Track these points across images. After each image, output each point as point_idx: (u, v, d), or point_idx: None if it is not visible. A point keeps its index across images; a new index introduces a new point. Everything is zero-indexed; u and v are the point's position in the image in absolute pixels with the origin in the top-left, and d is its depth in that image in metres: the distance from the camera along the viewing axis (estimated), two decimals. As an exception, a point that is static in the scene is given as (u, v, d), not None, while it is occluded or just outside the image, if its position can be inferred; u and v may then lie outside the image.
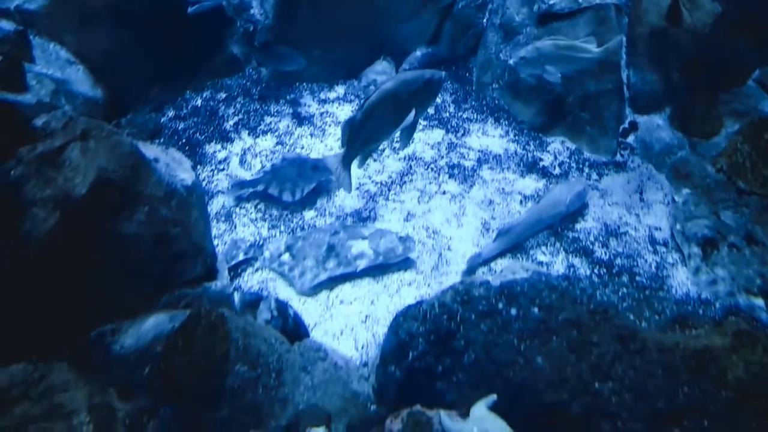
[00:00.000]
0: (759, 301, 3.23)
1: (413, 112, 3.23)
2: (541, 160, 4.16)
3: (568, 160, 4.15)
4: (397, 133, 3.50)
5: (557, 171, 4.08)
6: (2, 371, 1.72)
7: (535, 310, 2.38)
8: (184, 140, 4.14)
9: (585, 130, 4.22)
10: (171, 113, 4.38)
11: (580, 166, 4.12)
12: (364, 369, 2.53)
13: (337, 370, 2.36)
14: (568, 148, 4.24)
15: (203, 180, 3.96)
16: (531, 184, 4.00)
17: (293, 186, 3.79)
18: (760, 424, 2.07)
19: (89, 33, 4.02)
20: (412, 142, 4.31)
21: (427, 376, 2.34)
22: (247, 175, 4.02)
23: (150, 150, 2.72)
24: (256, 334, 2.36)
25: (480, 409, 2.14)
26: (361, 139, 3.57)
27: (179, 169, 2.82)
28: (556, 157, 4.17)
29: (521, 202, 3.90)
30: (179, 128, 4.28)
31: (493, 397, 2.19)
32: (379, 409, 2.31)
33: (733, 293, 3.31)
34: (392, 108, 3.45)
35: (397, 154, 4.22)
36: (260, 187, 3.84)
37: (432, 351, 2.39)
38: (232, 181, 3.91)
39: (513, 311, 2.39)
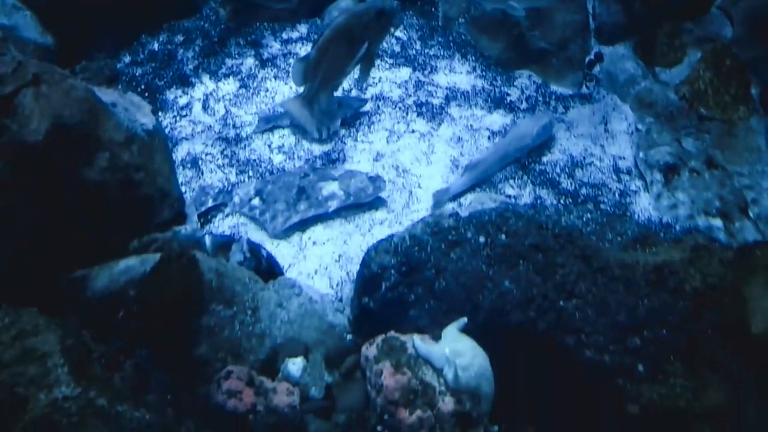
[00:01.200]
0: (717, 222, 3.37)
1: (366, 45, 3.20)
2: (508, 95, 4.16)
3: (534, 94, 4.16)
4: (356, 68, 3.46)
5: (524, 105, 4.09)
6: (-27, 317, 1.71)
7: (503, 236, 2.45)
8: (143, 86, 4.00)
9: (551, 63, 4.22)
10: (127, 59, 4.20)
11: (547, 99, 4.13)
12: (339, 303, 2.58)
13: (312, 304, 2.41)
14: (534, 83, 4.24)
15: (166, 127, 3.86)
16: (498, 119, 4.01)
17: (320, 123, 3.67)
18: (715, 331, 2.21)
19: (35, -24, 3.79)
20: (379, 82, 4.26)
21: (400, 305, 2.41)
22: (210, 120, 3.93)
23: (106, 94, 2.63)
24: (230, 274, 2.38)
25: (451, 331, 2.23)
26: (318, 77, 3.51)
27: (138, 113, 2.75)
28: (523, 92, 4.18)
29: (489, 138, 3.92)
30: (137, 74, 4.12)
31: (464, 320, 2.27)
32: (355, 338, 2.38)
33: (692, 216, 3.44)
34: (346, 43, 3.38)
35: (363, 93, 4.17)
36: (286, 122, 3.77)
37: (404, 281, 2.45)
38: (259, 114, 3.86)
39: (481, 239, 2.45)
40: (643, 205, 3.56)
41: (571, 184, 3.66)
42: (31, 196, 2.13)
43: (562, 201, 3.54)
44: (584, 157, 3.82)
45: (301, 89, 3.63)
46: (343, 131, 3.97)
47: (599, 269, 2.29)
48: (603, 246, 2.39)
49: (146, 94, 3.98)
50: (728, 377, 2.11)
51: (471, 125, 3.98)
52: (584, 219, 3.18)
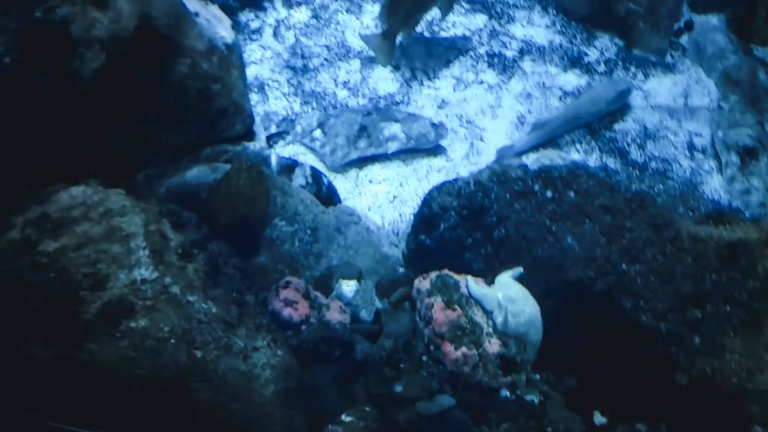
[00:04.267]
0: (790, 214, 3.27)
1: None
2: (586, 55, 4.04)
3: (614, 58, 4.03)
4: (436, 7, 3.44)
5: (602, 68, 3.98)
6: (63, 191, 1.83)
7: (571, 194, 2.44)
8: (218, 5, 4.04)
9: (637, 26, 4.06)
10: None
11: (627, 64, 4.01)
12: (395, 237, 2.65)
13: (369, 233, 2.48)
14: (616, 45, 4.10)
15: (236, 48, 3.91)
16: (573, 79, 3.92)
17: (424, 65, 3.72)
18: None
19: None
20: (452, 27, 4.19)
21: (457, 246, 2.45)
22: (280, 48, 3.97)
23: (192, 3, 2.68)
24: (293, 194, 2.46)
25: (505, 278, 2.27)
26: (401, 14, 3.52)
27: (219, 26, 2.80)
28: (602, 53, 4.05)
29: (560, 98, 3.84)
30: (211, -9, 4.16)
31: (520, 269, 2.31)
32: (407, 272, 2.45)
33: (764, 204, 3.35)
34: None
35: (436, 36, 4.12)
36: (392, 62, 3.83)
37: (463, 224, 2.49)
38: (361, 56, 3.89)
39: (548, 193, 2.45)
40: (714, 187, 3.47)
41: (640, 155, 3.59)
42: (117, 89, 2.22)
43: (629, 171, 3.48)
44: (658, 130, 3.72)
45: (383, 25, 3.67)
46: (409, 74, 3.95)
47: (669, 239, 2.27)
48: (675, 217, 2.36)
49: (220, 13, 4.02)
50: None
51: (543, 82, 3.90)
52: (655, 190, 3.14)
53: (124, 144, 2.27)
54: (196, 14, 2.68)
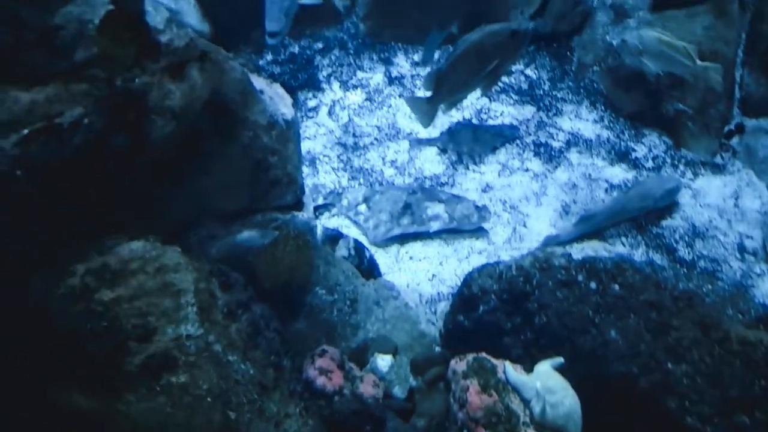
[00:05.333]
0: None
1: (495, 63, 3.40)
2: (634, 150, 4.12)
3: (663, 155, 4.10)
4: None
5: (650, 164, 4.04)
6: (124, 246, 1.97)
7: (616, 287, 2.44)
8: (279, 84, 4.38)
9: (686, 126, 4.14)
10: (269, 57, 4.62)
11: (675, 162, 4.06)
12: (433, 315, 2.67)
13: (407, 309, 2.52)
14: (664, 143, 4.18)
15: (293, 123, 4.17)
16: (620, 173, 3.99)
17: (471, 150, 3.94)
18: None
19: (205, -32, 4.29)
20: (501, 115, 4.38)
21: (496, 330, 2.45)
22: (333, 125, 4.21)
23: (258, 81, 2.93)
24: (336, 264, 2.54)
25: (545, 367, 2.24)
26: (447, 86, 3.75)
27: (281, 103, 3.03)
28: (650, 150, 4.13)
29: (607, 190, 3.90)
30: (276, 72, 4.52)
31: (560, 359, 2.28)
32: (444, 351, 2.44)
33: (822, 314, 3.22)
34: (477, 58, 3.61)
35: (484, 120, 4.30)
36: (439, 145, 4.01)
37: (503, 308, 2.50)
38: (410, 137, 4.10)
39: (593, 285, 2.46)
40: (765, 291, 3.38)
41: (689, 253, 3.55)
42: (182, 155, 2.41)
43: (676, 268, 3.44)
44: (707, 229, 3.70)
45: (428, 92, 3.89)
46: (455, 157, 4.11)
47: (717, 340, 2.23)
48: (724, 318, 2.32)
49: (281, 90, 4.34)
50: None
51: (589, 174, 3.98)
52: (703, 290, 3.09)
53: (183, 205, 2.42)
54: (261, 91, 2.91)
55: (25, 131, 2.35)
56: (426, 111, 3.82)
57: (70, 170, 2.27)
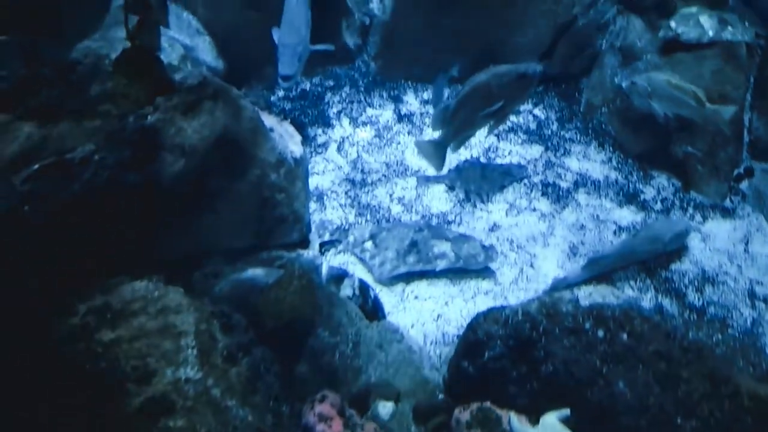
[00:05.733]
0: None
1: (501, 104, 3.46)
2: (642, 192, 4.12)
3: (672, 197, 4.09)
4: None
5: (659, 206, 4.03)
6: (127, 285, 1.97)
7: (624, 336, 2.40)
8: (289, 120, 4.43)
9: (695, 169, 4.14)
10: (281, 93, 4.69)
11: (685, 205, 4.04)
12: (437, 360, 2.63)
13: (411, 353, 2.49)
14: (673, 184, 4.17)
15: (302, 159, 4.21)
16: (628, 215, 3.97)
17: (478, 188, 3.94)
18: None
19: (219, 8, 4.39)
20: (509, 155, 4.39)
21: (501, 378, 2.41)
22: (342, 161, 4.24)
23: (268, 119, 2.98)
24: (339, 305, 2.53)
25: (551, 419, 2.19)
26: (454, 126, 3.78)
27: (291, 141, 3.07)
28: (659, 192, 4.12)
29: (615, 232, 3.88)
30: (287, 108, 4.58)
31: (567, 411, 2.23)
32: (447, 399, 2.40)
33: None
34: (483, 98, 3.66)
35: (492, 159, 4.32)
36: (447, 183, 4.04)
37: (509, 355, 2.46)
38: (418, 174, 4.10)
39: (600, 333, 2.43)
40: (779, 340, 3.32)
41: (698, 299, 3.51)
42: (190, 192, 2.43)
43: (685, 315, 3.39)
44: (717, 274, 3.66)
45: (436, 134, 3.91)
46: (463, 195, 4.11)
47: (728, 395, 2.18)
48: (734, 372, 2.27)
49: (291, 126, 4.39)
50: None
51: (597, 215, 3.97)
52: (713, 339, 3.04)
53: (188, 241, 2.44)
54: (272, 129, 2.96)
55: (36, 166, 2.39)
56: (436, 153, 3.86)
57: (78, 206, 2.30)
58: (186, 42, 4.23)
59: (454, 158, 4.27)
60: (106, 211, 2.28)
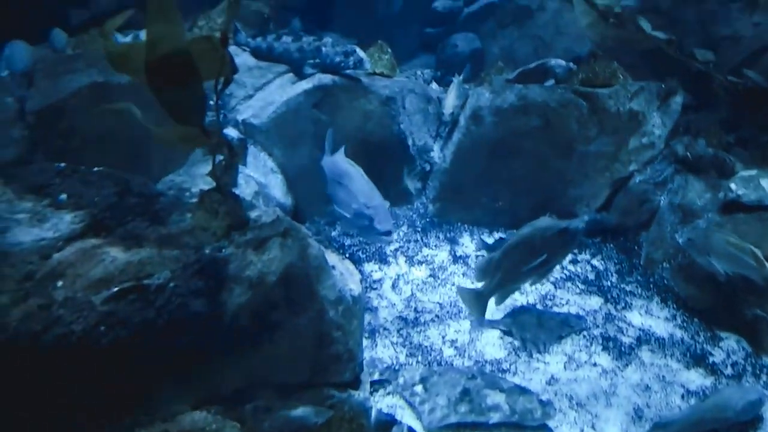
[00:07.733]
0: None
1: (544, 257, 3.53)
2: (711, 354, 3.95)
3: (742, 362, 3.90)
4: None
5: (729, 371, 3.84)
6: (187, 415, 2.02)
7: None
8: (347, 255, 4.62)
9: (766, 333, 3.98)
10: (340, 229, 4.96)
11: (757, 371, 3.84)
12: None
13: None
14: (744, 349, 4.00)
15: (357, 294, 4.33)
16: (696, 378, 3.79)
17: (535, 337, 3.97)
18: None
19: (294, 151, 4.87)
20: (566, 304, 4.37)
21: None
22: (396, 299, 4.33)
23: (331, 257, 3.15)
24: (390, 455, 2.46)
25: None
26: (498, 278, 3.84)
27: (350, 279, 3.20)
28: (729, 356, 3.95)
29: (683, 396, 3.69)
30: (346, 244, 4.81)
31: None
32: None
33: None
34: (527, 252, 3.75)
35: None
36: (503, 328, 4.12)
37: None
38: (472, 317, 4.12)
39: None
40: None
41: (780, 480, 3.20)
42: (253, 324, 2.54)
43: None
44: (800, 453, 3.36)
45: (480, 284, 3.97)
46: (519, 343, 4.05)
47: None
48: None
49: (349, 262, 4.57)
50: None
51: (663, 376, 3.81)
52: None
53: (245, 373, 2.50)
54: (333, 267, 3.11)
55: (115, 288, 2.58)
56: (478, 303, 3.93)
57: (148, 332, 2.43)
58: (260, 180, 4.64)
59: (509, 302, 4.28)
60: (173, 336, 2.40)
